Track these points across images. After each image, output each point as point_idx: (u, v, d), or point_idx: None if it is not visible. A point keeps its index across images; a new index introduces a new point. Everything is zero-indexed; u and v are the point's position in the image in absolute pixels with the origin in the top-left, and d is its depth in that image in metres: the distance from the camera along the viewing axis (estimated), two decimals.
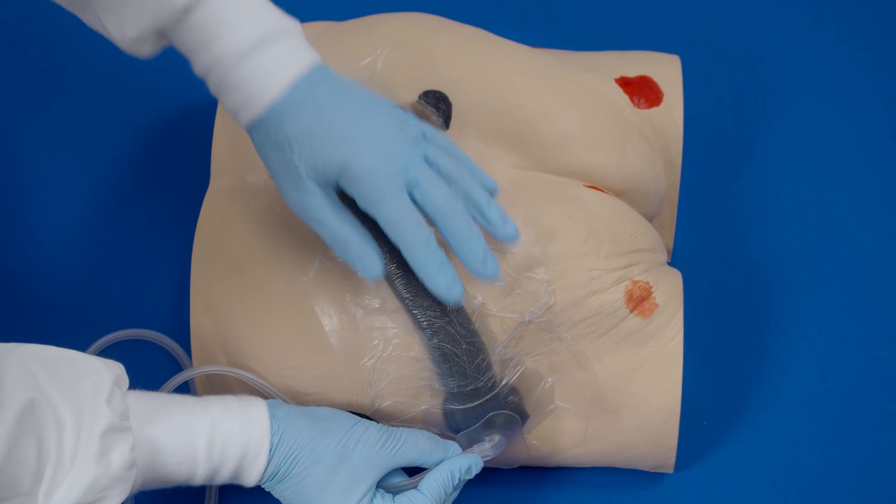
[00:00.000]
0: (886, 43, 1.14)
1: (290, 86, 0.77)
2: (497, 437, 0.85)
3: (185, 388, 0.92)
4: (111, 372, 0.75)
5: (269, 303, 0.87)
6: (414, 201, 0.78)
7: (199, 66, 0.78)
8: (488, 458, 0.86)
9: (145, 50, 0.80)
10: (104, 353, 0.93)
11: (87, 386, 0.73)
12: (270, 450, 0.80)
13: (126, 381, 0.77)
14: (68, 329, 1.00)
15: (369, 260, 0.79)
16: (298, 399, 0.87)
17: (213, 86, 0.79)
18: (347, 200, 0.80)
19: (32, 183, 1.07)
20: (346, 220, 0.79)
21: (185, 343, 0.94)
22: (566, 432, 0.88)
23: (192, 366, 0.90)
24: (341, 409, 0.87)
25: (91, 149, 1.07)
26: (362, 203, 0.78)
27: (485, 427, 0.86)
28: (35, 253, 1.04)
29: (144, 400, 0.79)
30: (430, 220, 0.79)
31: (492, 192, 0.83)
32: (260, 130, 0.78)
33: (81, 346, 0.92)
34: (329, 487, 0.81)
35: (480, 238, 0.80)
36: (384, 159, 0.77)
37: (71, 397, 0.72)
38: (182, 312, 0.96)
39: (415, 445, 0.84)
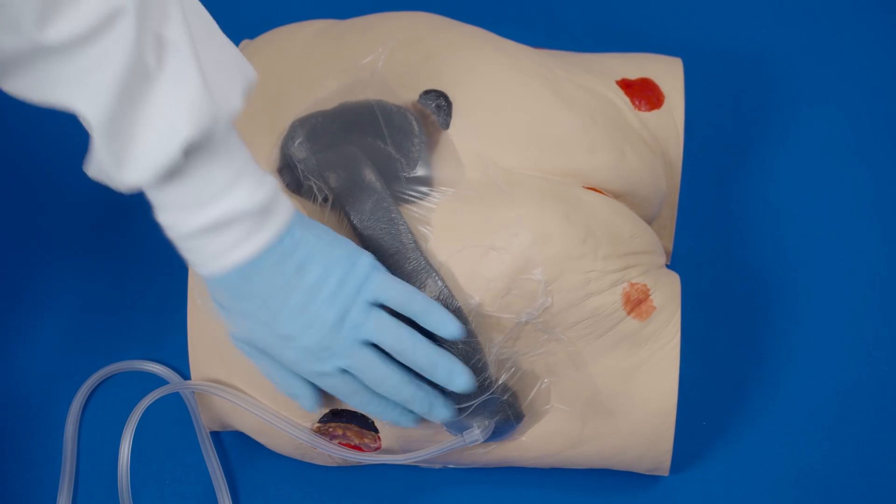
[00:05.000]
0: (887, 44, 1.14)
1: (229, 271, 0.75)
2: (487, 422, 0.85)
3: (182, 402, 0.93)
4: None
5: None
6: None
7: (156, 215, 0.75)
8: (477, 442, 0.85)
9: None
10: (105, 381, 0.93)
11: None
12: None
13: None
14: (64, 331, 1.00)
15: (302, 400, 0.83)
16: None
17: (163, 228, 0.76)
18: None
19: (30, 185, 1.07)
20: (273, 365, 0.81)
21: (183, 345, 0.94)
22: (561, 434, 0.88)
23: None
24: (337, 409, 0.87)
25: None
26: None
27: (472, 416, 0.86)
28: (34, 254, 1.04)
29: None
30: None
31: (453, 337, 0.81)
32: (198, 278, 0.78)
33: (78, 350, 0.93)
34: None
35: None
36: (314, 360, 0.79)
37: None
38: (180, 315, 0.96)
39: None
